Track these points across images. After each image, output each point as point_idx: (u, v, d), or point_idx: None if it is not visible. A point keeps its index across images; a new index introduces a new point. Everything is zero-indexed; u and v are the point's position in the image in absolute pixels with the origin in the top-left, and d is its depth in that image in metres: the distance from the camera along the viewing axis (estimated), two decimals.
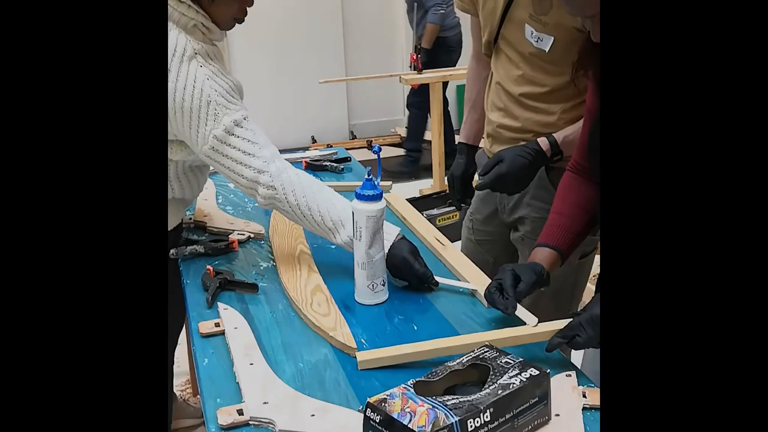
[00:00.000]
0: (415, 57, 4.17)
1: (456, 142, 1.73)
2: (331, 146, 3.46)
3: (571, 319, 1.02)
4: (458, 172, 1.64)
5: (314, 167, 2.04)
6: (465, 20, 1.63)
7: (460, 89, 4.94)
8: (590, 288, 2.35)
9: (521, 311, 1.12)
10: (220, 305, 1.25)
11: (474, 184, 1.60)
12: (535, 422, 0.91)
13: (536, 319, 1.10)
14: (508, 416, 0.87)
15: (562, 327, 1.03)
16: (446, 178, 1.68)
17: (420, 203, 3.37)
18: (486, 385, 0.89)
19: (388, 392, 0.88)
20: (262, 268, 1.43)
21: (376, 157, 1.28)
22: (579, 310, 1.04)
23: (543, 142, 1.42)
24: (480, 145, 1.68)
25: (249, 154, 1.31)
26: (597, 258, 1.58)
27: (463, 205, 1.67)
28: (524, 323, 1.11)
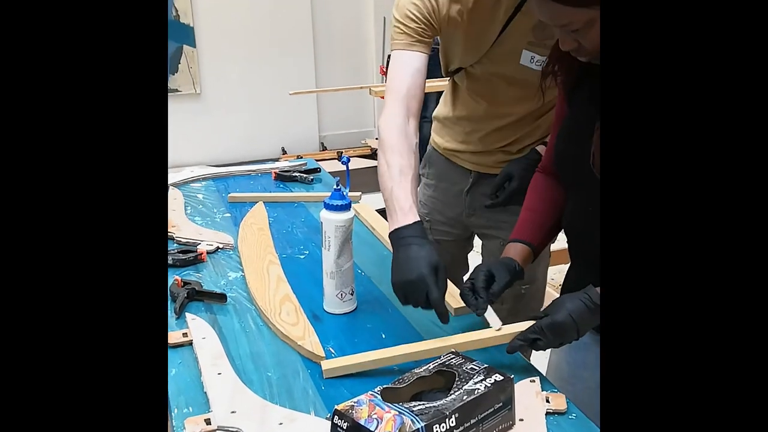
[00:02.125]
0: (384, 69, 4.20)
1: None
2: (302, 157, 3.47)
3: (534, 323, 1.04)
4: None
5: (284, 178, 2.05)
6: None
7: None
8: (552, 294, 2.42)
9: (490, 314, 1.12)
10: (188, 315, 1.25)
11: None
12: (500, 427, 0.92)
13: (500, 323, 1.11)
14: (473, 421, 0.89)
15: (523, 329, 1.05)
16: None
17: None
18: (451, 391, 0.91)
19: (355, 399, 0.89)
20: (230, 278, 1.43)
21: (345, 168, 1.30)
22: (541, 311, 1.05)
23: (541, 149, 1.43)
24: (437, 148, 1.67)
25: None
26: (560, 266, 1.61)
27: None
28: (489, 327, 1.12)
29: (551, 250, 1.49)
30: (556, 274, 2.52)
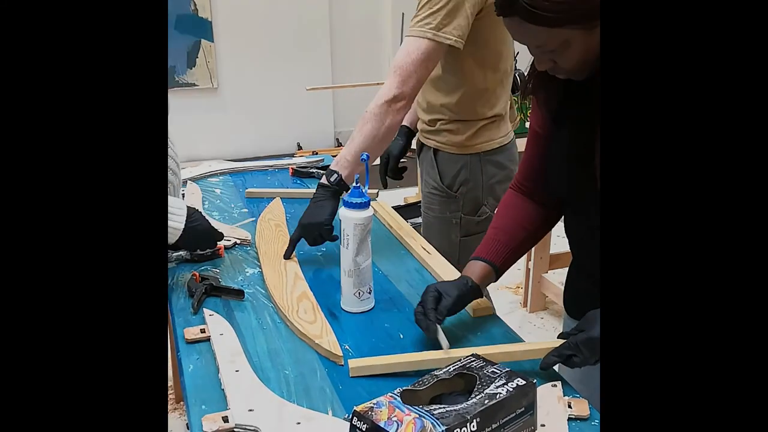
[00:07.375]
0: None
1: None
2: (317, 153, 3.46)
3: (567, 339, 1.01)
4: (396, 152, 1.90)
5: (300, 174, 2.04)
6: None
7: None
8: None
9: (440, 334, 1.10)
10: (206, 311, 1.24)
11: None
12: None
13: (448, 345, 1.09)
14: (494, 426, 0.87)
15: (556, 345, 1.02)
16: (381, 157, 1.88)
17: (404, 211, 3.37)
18: (472, 395, 0.89)
19: (374, 401, 0.88)
20: (248, 274, 1.42)
21: (363, 165, 1.29)
22: (572, 329, 1.02)
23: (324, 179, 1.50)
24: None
25: None
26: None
27: (393, 179, 1.92)
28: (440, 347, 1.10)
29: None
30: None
